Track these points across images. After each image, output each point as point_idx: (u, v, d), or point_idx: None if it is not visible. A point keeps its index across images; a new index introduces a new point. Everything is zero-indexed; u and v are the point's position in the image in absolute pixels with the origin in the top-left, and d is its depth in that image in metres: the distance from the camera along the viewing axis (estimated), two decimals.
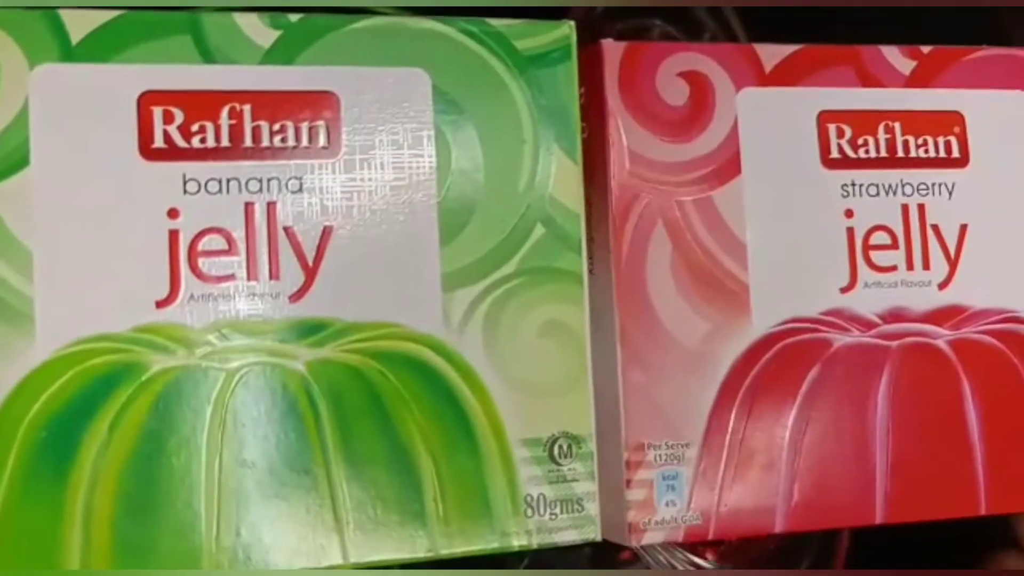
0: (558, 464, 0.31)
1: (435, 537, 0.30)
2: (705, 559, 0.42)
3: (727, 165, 0.34)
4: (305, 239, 0.30)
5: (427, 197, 0.31)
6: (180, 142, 0.29)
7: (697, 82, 0.34)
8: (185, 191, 0.29)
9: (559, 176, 0.32)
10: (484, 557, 0.30)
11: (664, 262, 0.33)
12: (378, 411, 0.30)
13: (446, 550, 0.30)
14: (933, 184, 0.35)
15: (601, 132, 0.33)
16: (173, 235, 0.29)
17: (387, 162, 0.30)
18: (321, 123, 0.30)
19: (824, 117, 0.35)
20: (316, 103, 0.30)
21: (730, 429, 0.33)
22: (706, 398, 0.33)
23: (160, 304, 0.29)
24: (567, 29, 0.32)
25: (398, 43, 0.31)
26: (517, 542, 0.30)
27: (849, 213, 0.35)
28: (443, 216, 0.31)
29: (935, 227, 0.35)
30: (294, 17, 0.30)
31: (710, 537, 0.33)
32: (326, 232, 0.30)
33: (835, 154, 0.35)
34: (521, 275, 0.31)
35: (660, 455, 0.32)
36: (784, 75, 0.35)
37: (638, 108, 0.33)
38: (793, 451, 0.34)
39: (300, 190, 0.30)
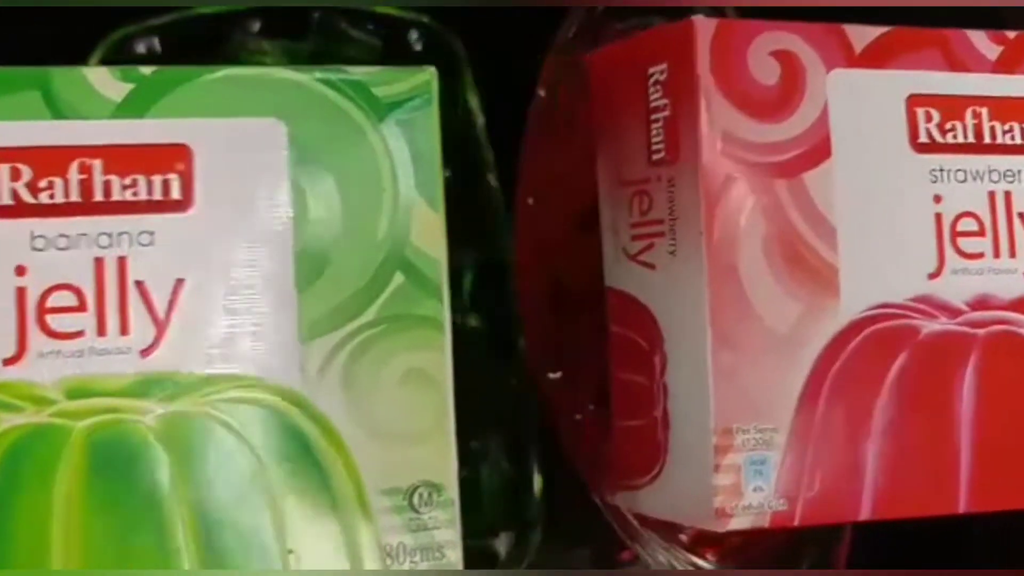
0: (418, 512, 0.31)
1: None
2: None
3: (818, 147, 0.33)
4: (156, 293, 0.29)
5: (283, 247, 0.30)
6: (28, 198, 0.29)
7: (788, 62, 0.33)
8: (33, 247, 0.29)
9: (419, 223, 0.31)
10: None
11: (756, 243, 0.32)
12: (232, 466, 0.29)
13: None
14: (1019, 171, 0.35)
15: (691, 111, 0.32)
16: (20, 292, 0.29)
17: (242, 213, 0.30)
18: (174, 176, 0.30)
19: (913, 101, 0.34)
20: (168, 156, 0.30)
21: (818, 414, 0.33)
22: (795, 382, 0.32)
23: (7, 362, 0.28)
24: (428, 75, 0.32)
25: (253, 94, 0.31)
26: None
27: (937, 199, 0.34)
28: (299, 266, 0.30)
29: (1021, 215, 0.35)
30: (146, 70, 0.30)
31: (796, 523, 0.32)
32: (178, 285, 0.30)
33: (923, 138, 0.34)
34: (381, 323, 0.31)
35: (748, 439, 0.32)
36: (873, 57, 0.34)
37: (730, 87, 0.33)
38: (880, 438, 0.33)
39: (151, 244, 0.30)
